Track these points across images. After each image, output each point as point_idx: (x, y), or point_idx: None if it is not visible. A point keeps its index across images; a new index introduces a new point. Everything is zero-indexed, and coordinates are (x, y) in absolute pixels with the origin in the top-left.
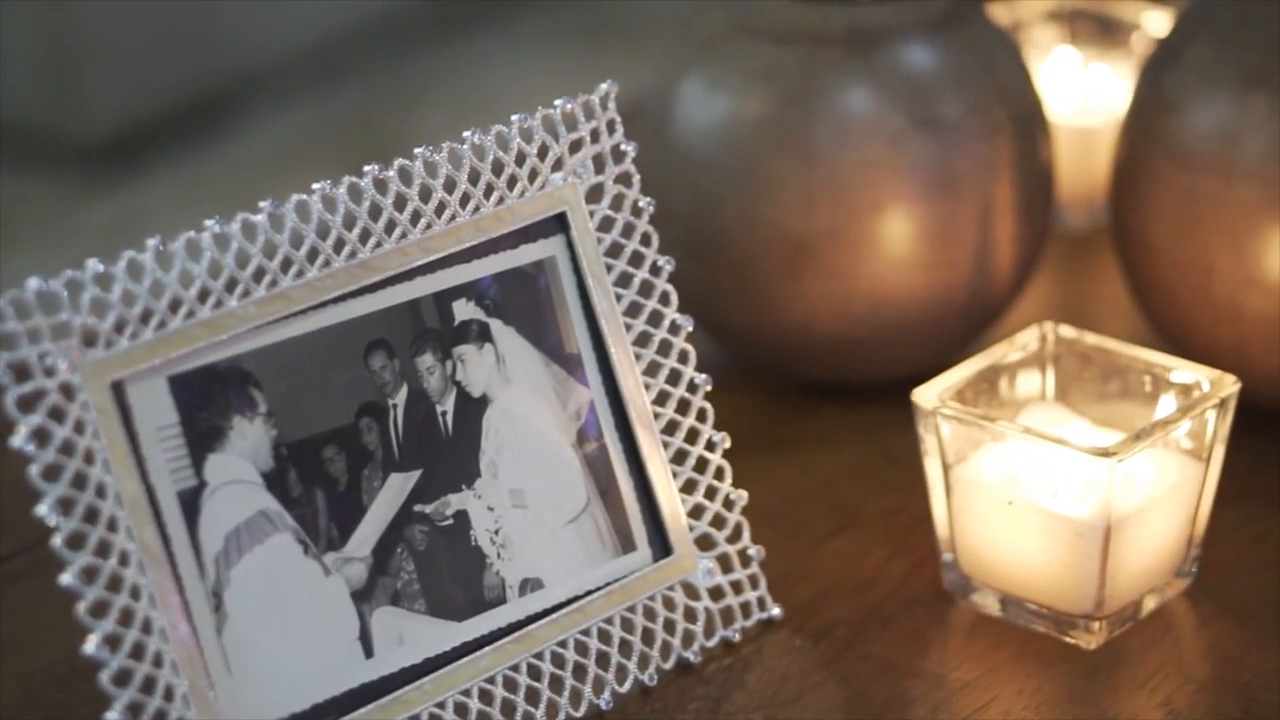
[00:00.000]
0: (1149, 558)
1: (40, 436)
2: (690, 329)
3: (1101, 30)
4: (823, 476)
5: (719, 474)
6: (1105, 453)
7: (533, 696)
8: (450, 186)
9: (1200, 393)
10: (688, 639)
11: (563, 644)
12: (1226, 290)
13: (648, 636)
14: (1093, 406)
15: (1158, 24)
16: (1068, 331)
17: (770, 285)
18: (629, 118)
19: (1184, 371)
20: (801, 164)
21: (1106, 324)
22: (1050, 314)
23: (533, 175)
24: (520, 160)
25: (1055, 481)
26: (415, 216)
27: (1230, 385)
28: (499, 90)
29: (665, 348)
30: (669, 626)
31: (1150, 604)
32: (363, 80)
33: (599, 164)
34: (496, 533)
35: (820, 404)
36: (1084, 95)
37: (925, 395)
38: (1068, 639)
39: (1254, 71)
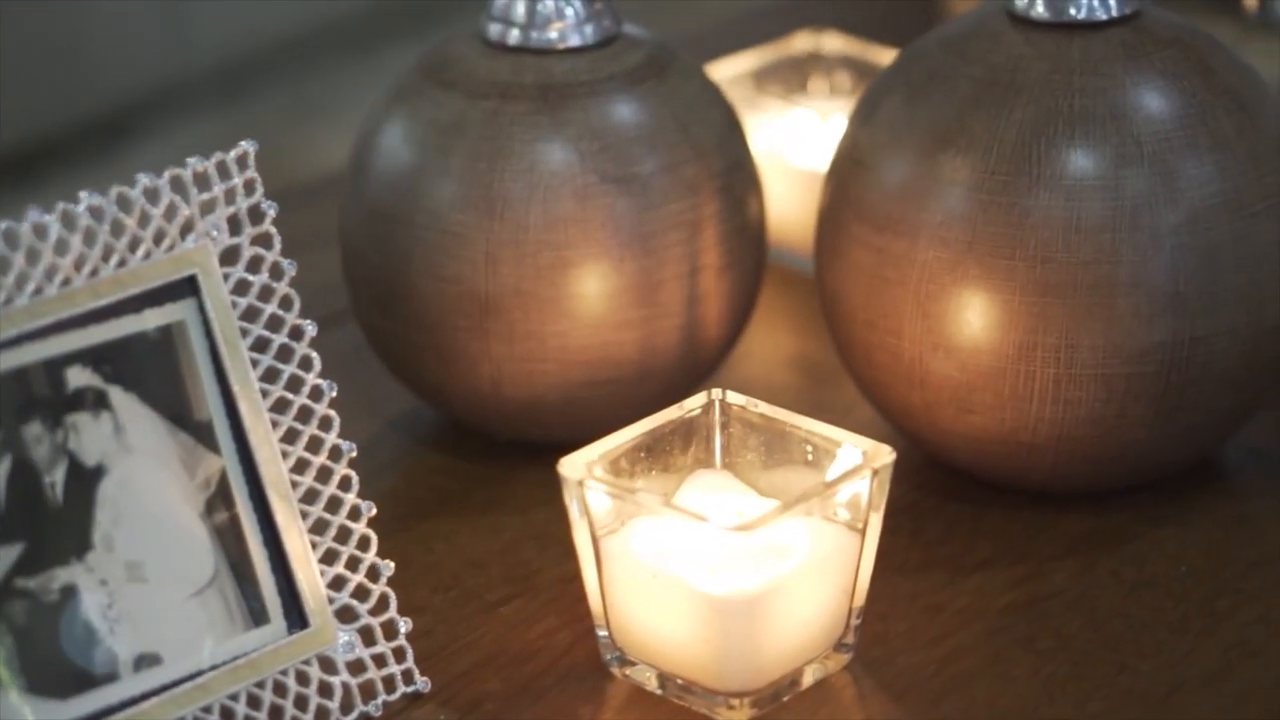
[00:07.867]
0: (801, 632)
1: None
2: (334, 394)
3: (857, 78)
4: (508, 540)
5: (363, 544)
6: (737, 527)
7: None
8: (63, 250)
9: (855, 463)
10: (322, 715)
11: None
12: (915, 353)
13: (276, 712)
14: (759, 475)
15: None
16: (736, 398)
17: (458, 344)
18: None
19: (844, 442)
20: (486, 220)
21: (833, 379)
22: (777, 369)
23: (159, 237)
24: (144, 222)
25: (704, 555)
26: (21, 280)
27: (885, 456)
28: None
29: (305, 414)
30: (301, 702)
31: (809, 679)
32: (269, 98)
33: (235, 225)
34: (110, 607)
35: (523, 464)
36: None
37: (572, 464)
38: (716, 716)
39: (940, 132)
